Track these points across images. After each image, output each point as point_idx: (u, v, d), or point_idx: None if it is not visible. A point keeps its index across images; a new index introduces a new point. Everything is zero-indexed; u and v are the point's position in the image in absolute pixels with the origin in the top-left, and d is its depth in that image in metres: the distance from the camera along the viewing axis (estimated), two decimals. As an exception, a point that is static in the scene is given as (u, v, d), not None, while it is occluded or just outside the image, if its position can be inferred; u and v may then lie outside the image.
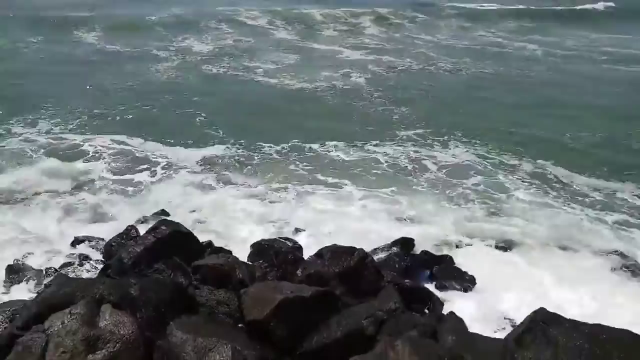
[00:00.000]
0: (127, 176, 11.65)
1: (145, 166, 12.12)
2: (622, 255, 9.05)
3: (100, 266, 7.68)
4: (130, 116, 15.53)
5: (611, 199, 11.49)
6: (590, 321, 5.61)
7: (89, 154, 12.60)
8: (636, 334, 6.26)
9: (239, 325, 6.01)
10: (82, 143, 13.16)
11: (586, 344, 5.31)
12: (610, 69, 24.42)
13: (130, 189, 11.11)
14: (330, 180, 11.80)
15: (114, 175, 11.66)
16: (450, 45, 28.79)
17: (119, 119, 15.23)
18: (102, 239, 8.53)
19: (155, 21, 30.44)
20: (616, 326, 5.53)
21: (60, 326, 5.06)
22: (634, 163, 13.30)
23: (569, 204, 11.17)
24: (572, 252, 9.32)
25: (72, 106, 15.86)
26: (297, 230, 9.36)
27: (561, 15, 38.96)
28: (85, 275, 7.50)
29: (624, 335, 5.66)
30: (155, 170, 11.90)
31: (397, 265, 7.75)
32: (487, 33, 33.29)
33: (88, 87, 18.12)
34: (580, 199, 11.43)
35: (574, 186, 12.02)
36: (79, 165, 11.96)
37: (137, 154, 12.72)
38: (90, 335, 5.00)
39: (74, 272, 7.62)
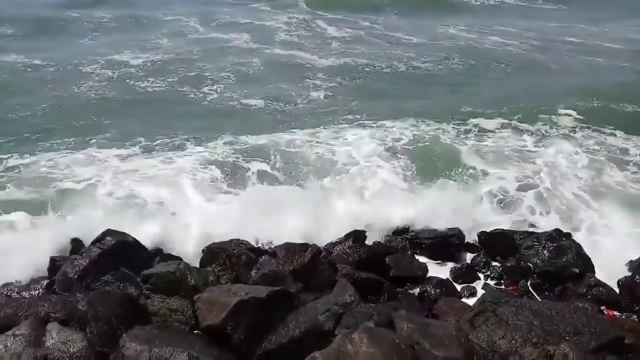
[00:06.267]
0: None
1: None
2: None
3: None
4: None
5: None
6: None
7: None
8: (580, 307, 6.61)
9: (195, 331, 5.91)
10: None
11: (535, 320, 5.55)
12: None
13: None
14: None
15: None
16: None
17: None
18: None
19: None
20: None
21: (3, 350, 4.82)
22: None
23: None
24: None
25: None
26: None
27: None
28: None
29: (568, 308, 5.95)
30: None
31: (350, 259, 7.79)
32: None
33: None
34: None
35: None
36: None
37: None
38: (37, 356, 4.80)
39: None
